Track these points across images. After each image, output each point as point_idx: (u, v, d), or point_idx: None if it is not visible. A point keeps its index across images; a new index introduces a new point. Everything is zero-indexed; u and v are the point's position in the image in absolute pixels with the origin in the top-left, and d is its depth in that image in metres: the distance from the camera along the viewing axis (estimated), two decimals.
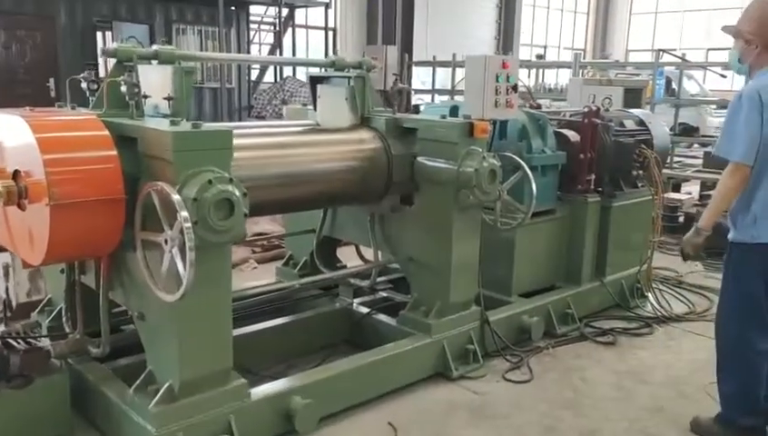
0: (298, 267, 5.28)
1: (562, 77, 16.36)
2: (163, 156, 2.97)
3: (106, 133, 3.13)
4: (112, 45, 3.58)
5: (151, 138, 3.06)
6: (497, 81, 4.16)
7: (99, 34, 13.25)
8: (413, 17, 15.81)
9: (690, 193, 9.81)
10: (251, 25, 16.31)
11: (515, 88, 4.26)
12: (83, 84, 3.78)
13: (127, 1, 13.54)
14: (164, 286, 2.96)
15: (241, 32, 15.38)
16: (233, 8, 14.95)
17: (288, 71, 15.30)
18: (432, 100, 13.73)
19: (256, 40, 16.92)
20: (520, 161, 4.41)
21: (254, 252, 7.15)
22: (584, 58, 26.23)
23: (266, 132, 4.19)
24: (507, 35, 24.35)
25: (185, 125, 3.06)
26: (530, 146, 5.03)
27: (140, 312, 3.31)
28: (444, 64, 13.24)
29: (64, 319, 3.91)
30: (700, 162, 10.86)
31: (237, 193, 2.95)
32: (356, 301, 4.98)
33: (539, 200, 4.69)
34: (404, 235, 4.51)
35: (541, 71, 14.63)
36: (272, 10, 16.36)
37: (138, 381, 3.29)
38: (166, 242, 2.88)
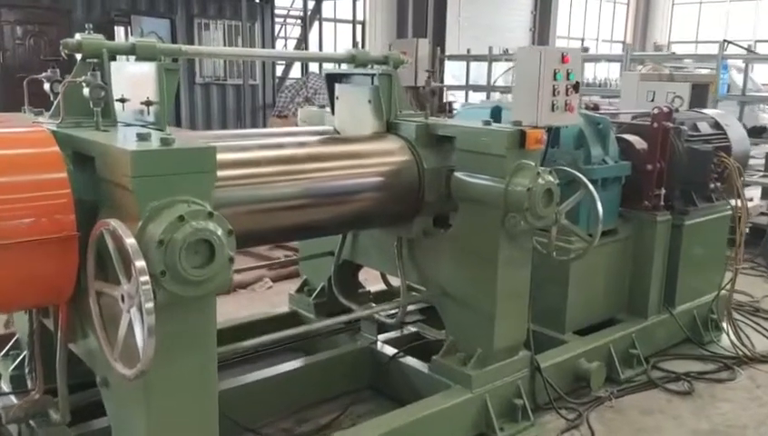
0: (314, 295, 4.55)
1: (600, 71, 15.27)
2: (122, 183, 2.25)
3: (55, 149, 2.43)
4: (75, 37, 2.88)
5: (109, 158, 2.34)
6: (556, 78, 3.36)
7: (117, 30, 12.70)
8: (446, 8, 14.94)
9: (751, 199, 8.83)
10: (277, 19, 15.66)
11: (576, 87, 3.46)
12: (46, 86, 3.12)
13: None
14: (123, 355, 2.24)
15: (265, 26, 14.72)
16: (258, 1, 14.30)
17: (314, 66, 14.61)
18: (466, 97, 12.86)
19: (282, 34, 16.28)
20: (582, 177, 3.59)
21: (270, 268, 6.44)
22: (623, 50, 25.06)
23: (271, 142, 3.45)
24: (542, 27, 23.30)
25: (153, 140, 2.33)
26: (589, 156, 4.21)
27: (103, 378, 2.61)
28: (479, 59, 12.36)
29: (26, 369, 3.24)
30: (759, 162, 9.83)
31: (219, 231, 2.22)
32: (380, 338, 4.22)
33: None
34: (438, 265, 3.74)
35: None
36: (299, 3, 15.68)
37: None
38: (123, 298, 2.16)
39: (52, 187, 2.36)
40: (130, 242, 2.04)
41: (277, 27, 15.71)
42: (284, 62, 15.39)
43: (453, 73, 15.74)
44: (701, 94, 6.49)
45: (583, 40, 24.73)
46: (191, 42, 12.92)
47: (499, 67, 12.15)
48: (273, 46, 14.72)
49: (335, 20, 17.90)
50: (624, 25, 28.47)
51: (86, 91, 2.68)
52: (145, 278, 1.99)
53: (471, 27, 18.91)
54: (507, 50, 12.36)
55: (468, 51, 12.93)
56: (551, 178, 3.32)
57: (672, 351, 4.77)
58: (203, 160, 2.32)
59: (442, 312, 3.79)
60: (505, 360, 3.66)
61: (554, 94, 3.38)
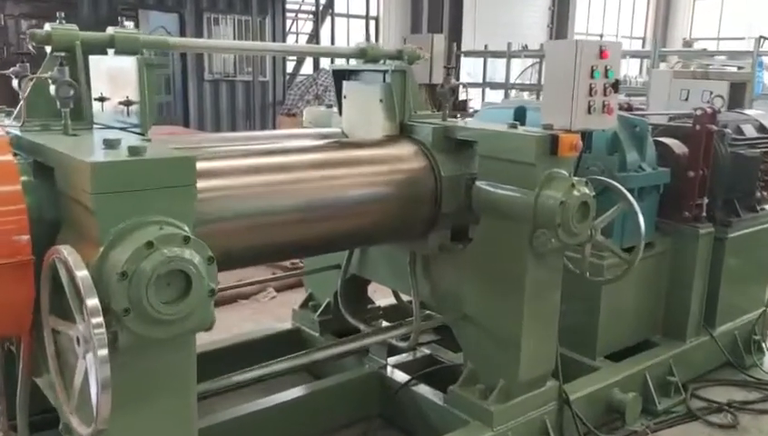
0: (319, 311, 4.17)
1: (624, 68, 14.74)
2: (82, 200, 1.87)
3: (8, 158, 2.06)
4: (44, 28, 2.51)
5: (68, 169, 1.97)
6: (593, 76, 2.94)
7: (126, 25, 12.38)
8: (462, 3, 14.48)
9: None
10: (289, 14, 15.28)
11: (615, 86, 3.04)
12: (15, 83, 2.75)
13: None
14: (81, 406, 1.87)
15: (276, 21, 14.35)
16: None
17: (325, 63, 14.21)
18: (482, 96, 12.40)
19: (294, 30, 15.90)
20: (623, 190, 3.18)
21: (274, 274, 6.05)
22: (643, 47, 24.50)
23: (270, 148, 3.06)
24: (560, 23, 22.72)
25: (122, 149, 1.95)
26: (624, 162, 3.79)
27: (65, 424, 2.24)
28: (497, 55, 11.92)
29: None
30: None
31: (196, 259, 1.84)
32: (390, 361, 3.83)
33: (633, 233, 3.50)
34: (456, 284, 3.35)
35: None
36: None
37: None
38: (78, 341, 1.79)
39: (2, 203, 1.99)
40: (81, 275, 1.67)
41: (288, 22, 15.34)
42: (294, 57, 14.98)
43: (467, 70, 15.31)
44: (738, 93, 6.03)
45: (602, 36, 24.14)
46: (200, 37, 12.58)
47: (516, 64, 11.71)
48: (284, 42, 14.34)
49: (348, 15, 17.48)
50: (644, 21, 27.82)
51: (52, 89, 2.31)
52: (98, 320, 1.62)
53: (487, 23, 18.42)
54: (526, 46, 11.91)
55: (486, 47, 12.48)
56: (587, 190, 2.91)
57: (711, 376, 4.35)
58: (180, 172, 1.94)
59: (460, 337, 3.40)
60: (530, 392, 3.26)
61: (590, 94, 2.96)
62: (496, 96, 12.68)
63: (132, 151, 1.88)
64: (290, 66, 15.15)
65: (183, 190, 1.95)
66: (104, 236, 1.81)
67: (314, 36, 15.36)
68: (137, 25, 12.23)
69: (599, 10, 25.74)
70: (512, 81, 11.23)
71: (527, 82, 13.79)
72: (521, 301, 3.08)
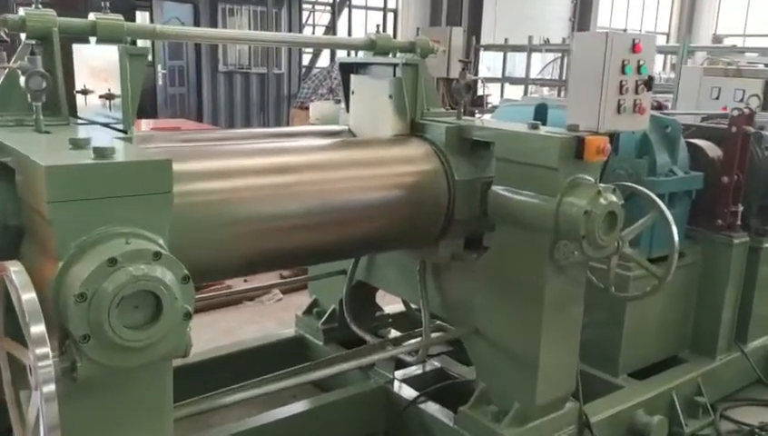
0: (323, 319, 3.94)
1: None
2: (39, 208, 1.64)
3: None
4: (18, 13, 2.29)
5: (27, 173, 1.74)
6: (624, 72, 2.66)
7: (138, 15, 12.22)
8: None
9: None
10: (306, 6, 15.03)
11: (648, 84, 2.75)
12: None
13: None
14: None
15: (293, 12, 14.11)
16: None
17: (344, 54, 13.94)
18: (501, 91, 12.06)
19: (310, 21, 15.64)
20: (655, 199, 2.89)
21: (282, 276, 5.83)
22: (667, 42, 23.91)
23: (269, 148, 2.82)
24: (582, 17, 22.22)
25: (89, 149, 1.72)
26: (654, 165, 3.51)
27: None
28: (518, 49, 11.57)
29: None
30: None
31: (168, 278, 1.61)
32: (398, 375, 3.59)
33: (662, 242, 3.25)
34: (468, 296, 3.09)
35: None
36: None
37: None
38: (30, 371, 1.56)
39: None
40: (27, 298, 1.44)
41: (305, 14, 15.09)
42: (311, 49, 14.73)
43: (487, 64, 14.97)
44: None
45: (625, 31, 23.62)
46: (214, 28, 12.38)
47: (536, 59, 11.37)
48: (300, 33, 14.09)
49: (366, 7, 17.18)
50: (668, 16, 27.20)
51: (22, 80, 2.09)
52: (43, 351, 1.39)
53: (507, 17, 18.04)
54: (547, 40, 11.56)
55: (506, 41, 12.13)
56: (614, 198, 2.64)
57: (740, 394, 4.07)
58: (154, 177, 1.70)
59: (472, 354, 3.15)
60: (548, 415, 3.00)
61: (621, 92, 2.68)
62: (515, 92, 12.34)
63: (99, 153, 1.65)
64: (306, 59, 14.92)
65: (158, 198, 1.71)
66: (63, 251, 1.58)
67: (331, 28, 15.09)
68: (151, 16, 12.08)
69: (623, 4, 25.19)
70: (533, 76, 10.88)
71: (548, 77, 13.45)
72: (539, 316, 2.82)
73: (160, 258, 1.61)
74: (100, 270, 1.53)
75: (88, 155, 1.67)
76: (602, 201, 2.59)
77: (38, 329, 1.41)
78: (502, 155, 2.86)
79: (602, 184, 2.67)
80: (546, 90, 13.96)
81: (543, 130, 2.83)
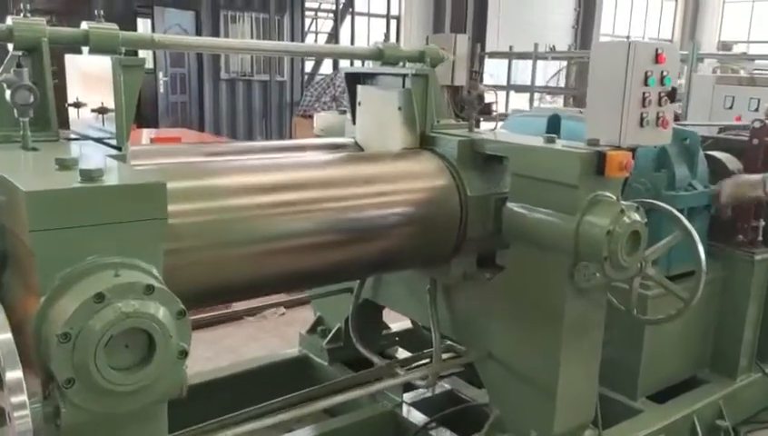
0: (328, 338, 3.78)
1: None
2: (22, 237, 1.50)
3: None
4: (5, 22, 2.15)
5: (8, 197, 1.59)
6: (647, 84, 2.52)
7: (140, 22, 12.13)
8: (487, 2, 14.01)
9: None
10: (308, 13, 14.94)
11: (672, 96, 2.61)
12: None
13: None
14: None
15: (295, 20, 14.01)
16: None
17: (345, 63, 13.82)
18: (506, 99, 11.92)
19: (313, 29, 15.55)
20: (680, 216, 2.74)
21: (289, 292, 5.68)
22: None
23: (272, 163, 2.67)
24: (586, 24, 22.18)
25: (74, 171, 1.58)
26: (672, 179, 3.37)
27: None
28: (524, 56, 11.44)
29: None
30: None
31: (161, 313, 1.46)
32: (407, 398, 3.43)
33: (681, 258, 3.10)
34: (481, 318, 2.94)
35: None
36: None
37: None
38: (9, 417, 1.41)
39: None
40: (1, 339, 1.29)
41: (308, 21, 15.01)
42: (313, 57, 14.63)
43: (490, 72, 14.83)
44: None
45: (628, 38, 23.51)
46: (216, 36, 12.27)
47: (540, 66, 11.23)
48: (303, 41, 13.98)
49: (368, 14, 17.11)
50: (671, 24, 27.11)
51: (7, 94, 1.95)
52: (19, 400, 1.24)
53: (510, 24, 17.94)
54: (553, 47, 11.43)
55: (511, 48, 11.99)
56: (638, 216, 2.49)
57: (762, 416, 3.91)
58: (146, 202, 1.56)
59: (486, 379, 2.99)
60: None
61: (644, 105, 2.53)
62: (520, 99, 12.20)
63: (85, 175, 1.51)
64: (309, 66, 14.81)
65: (151, 224, 1.56)
66: (46, 284, 1.44)
67: (333, 36, 15.00)
68: (153, 23, 11.98)
69: (626, 11, 25.10)
70: (542, 84, 10.75)
71: (552, 85, 13.33)
72: (558, 340, 2.66)
73: (152, 292, 1.46)
74: (85, 306, 1.39)
75: (75, 178, 1.53)
76: (625, 220, 2.44)
77: (14, 375, 1.27)
78: (517, 171, 2.72)
79: (624, 202, 2.52)
80: (549, 97, 13.82)
81: (560, 144, 2.68)
